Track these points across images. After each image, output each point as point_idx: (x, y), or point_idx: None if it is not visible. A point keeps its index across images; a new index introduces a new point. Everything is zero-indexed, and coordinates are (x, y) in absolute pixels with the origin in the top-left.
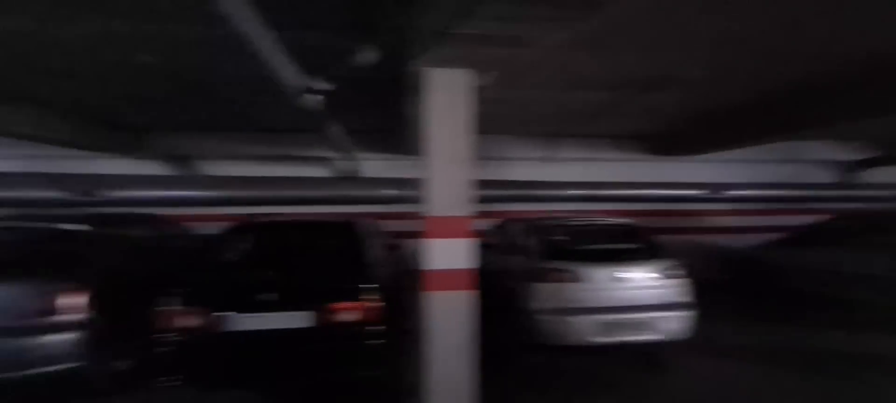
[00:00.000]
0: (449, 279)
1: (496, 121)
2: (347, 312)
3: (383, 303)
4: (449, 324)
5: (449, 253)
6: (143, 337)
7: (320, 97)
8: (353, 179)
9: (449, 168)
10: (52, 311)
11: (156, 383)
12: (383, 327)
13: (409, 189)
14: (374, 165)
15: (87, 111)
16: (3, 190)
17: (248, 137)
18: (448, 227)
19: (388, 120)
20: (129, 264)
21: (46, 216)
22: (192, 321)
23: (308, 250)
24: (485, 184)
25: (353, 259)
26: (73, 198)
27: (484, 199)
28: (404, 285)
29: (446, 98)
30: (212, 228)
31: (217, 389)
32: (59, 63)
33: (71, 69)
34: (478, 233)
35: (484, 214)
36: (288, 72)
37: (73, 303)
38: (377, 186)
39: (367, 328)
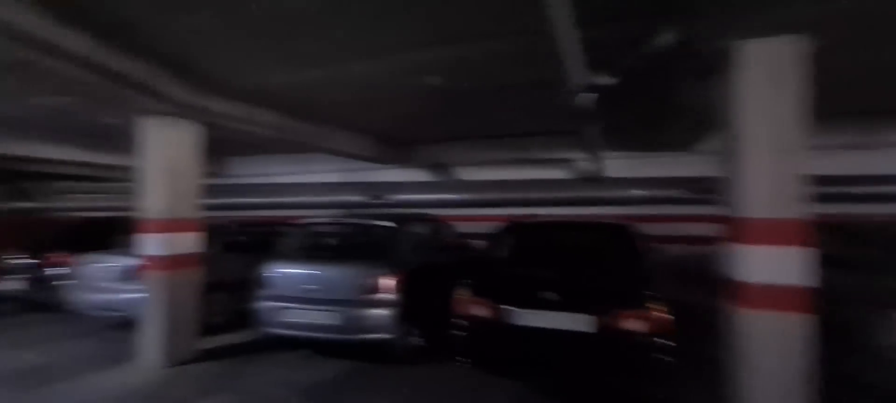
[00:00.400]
0: (775, 296)
1: None
2: (633, 321)
3: (673, 316)
4: (774, 353)
5: (774, 265)
6: (432, 319)
7: (595, 95)
8: (601, 180)
9: (772, 158)
10: (375, 290)
11: (452, 361)
12: (674, 342)
13: (663, 189)
14: (618, 164)
15: (377, 131)
16: (328, 195)
17: (498, 143)
18: (772, 232)
19: (652, 112)
20: (421, 255)
21: (361, 214)
22: (482, 311)
23: (582, 252)
24: None
25: (632, 264)
26: (368, 201)
27: None
28: (690, 295)
29: (768, 73)
30: (470, 228)
31: (500, 376)
32: (368, 94)
33: (374, 98)
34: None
35: None
36: (576, 71)
37: (388, 285)
38: (627, 186)
39: (654, 340)
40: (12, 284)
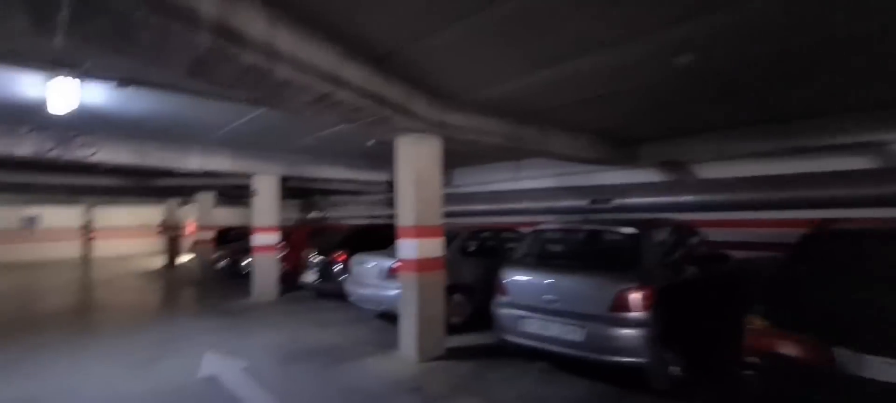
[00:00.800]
0: None
1: None
2: None
3: None
4: None
5: None
6: (693, 346)
7: None
8: None
9: None
10: (623, 306)
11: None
12: None
13: None
14: None
15: (600, 130)
16: (546, 200)
17: (755, 131)
18: None
19: None
20: (673, 266)
21: (599, 220)
22: (793, 349)
23: None
24: None
25: None
26: (590, 206)
27: None
28: None
29: None
30: (719, 233)
31: None
32: (600, 90)
33: (606, 93)
34: None
35: None
36: None
37: (638, 301)
38: None
39: None
40: (311, 277)
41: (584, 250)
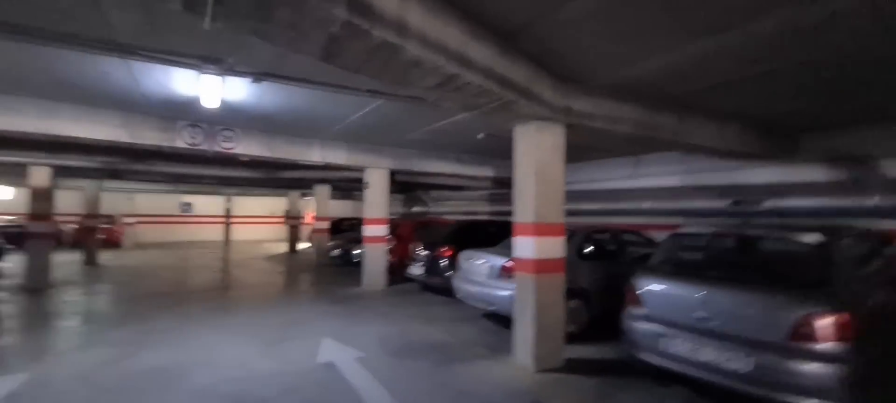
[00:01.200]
0: None
1: None
2: None
3: None
4: None
5: None
6: None
7: None
8: None
9: None
10: (808, 335)
11: None
12: None
13: None
14: None
15: (754, 117)
16: (672, 200)
17: None
18: None
19: None
20: (875, 287)
21: (766, 225)
22: None
23: None
24: None
25: None
26: (734, 209)
27: None
28: None
29: None
30: None
31: None
32: (773, 62)
33: (777, 68)
34: None
35: None
36: None
37: (830, 329)
38: None
39: None
40: (417, 270)
41: (745, 260)
